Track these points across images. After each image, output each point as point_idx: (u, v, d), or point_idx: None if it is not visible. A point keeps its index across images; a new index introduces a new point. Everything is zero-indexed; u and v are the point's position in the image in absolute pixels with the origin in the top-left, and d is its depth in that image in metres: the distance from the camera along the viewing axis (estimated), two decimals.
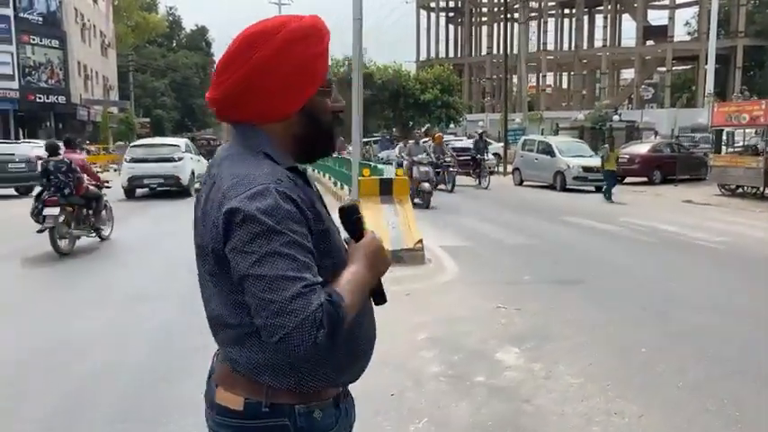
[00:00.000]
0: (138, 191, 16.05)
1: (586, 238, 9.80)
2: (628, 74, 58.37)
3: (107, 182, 9.46)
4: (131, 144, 19.47)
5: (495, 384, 3.90)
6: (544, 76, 54.53)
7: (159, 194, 15.94)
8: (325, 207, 1.33)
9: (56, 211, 7.76)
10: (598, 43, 54.85)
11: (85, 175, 8.49)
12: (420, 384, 3.92)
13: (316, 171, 20.19)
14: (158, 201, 15.10)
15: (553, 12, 57.19)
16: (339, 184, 15.79)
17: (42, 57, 36.39)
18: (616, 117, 29.69)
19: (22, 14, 34.71)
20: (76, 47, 39.94)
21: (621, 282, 6.74)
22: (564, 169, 18.38)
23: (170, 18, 66.50)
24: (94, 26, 45.38)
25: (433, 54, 60.02)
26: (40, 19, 36.17)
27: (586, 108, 44.66)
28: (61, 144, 8.76)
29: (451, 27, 63.20)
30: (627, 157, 19.89)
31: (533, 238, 9.64)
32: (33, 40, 35.56)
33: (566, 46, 57.55)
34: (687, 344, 4.65)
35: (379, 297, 1.35)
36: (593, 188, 17.79)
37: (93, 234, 8.77)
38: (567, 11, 57.07)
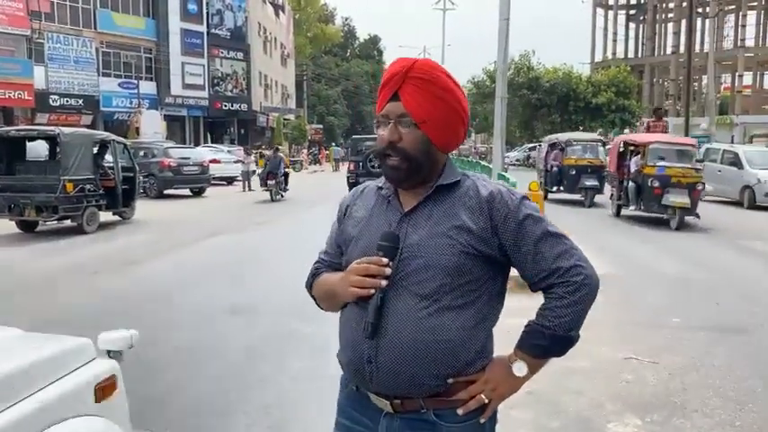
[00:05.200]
0: None
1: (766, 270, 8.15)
2: None
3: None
4: None
5: None
6: (740, 76, 48.50)
7: None
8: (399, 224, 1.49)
9: (272, 182, 17.27)
10: None
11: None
12: None
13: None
14: None
15: (755, 3, 50.65)
16: None
17: (229, 68, 39.90)
18: None
19: (213, 30, 38.35)
20: (259, 58, 43.25)
21: None
22: (753, 183, 15.85)
23: (345, 29, 69.71)
24: (276, 39, 48.88)
25: (609, 55, 56.30)
26: (228, 34, 39.70)
27: None
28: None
29: (632, 25, 58.79)
30: None
31: (698, 267, 8.20)
32: (222, 53, 39.11)
33: None
34: None
35: (369, 327, 1.42)
36: None
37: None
38: None
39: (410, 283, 1.42)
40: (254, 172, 22.00)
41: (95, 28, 32.10)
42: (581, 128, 44.94)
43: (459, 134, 1.51)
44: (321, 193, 19.76)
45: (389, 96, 1.46)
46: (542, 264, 1.44)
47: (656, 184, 11.56)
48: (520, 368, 1.45)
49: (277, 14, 49.48)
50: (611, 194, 14.02)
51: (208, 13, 37.91)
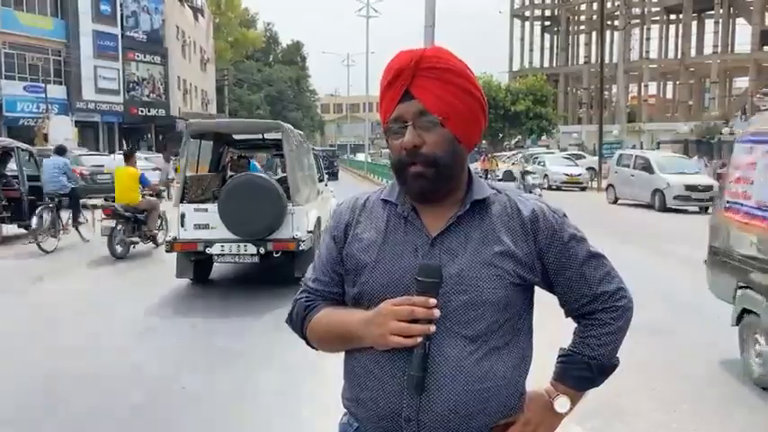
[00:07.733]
0: None
1: (684, 271, 8.53)
2: (741, 82, 53.99)
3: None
4: None
5: None
6: (646, 86, 51.54)
7: None
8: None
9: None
10: (707, 50, 51.09)
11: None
12: None
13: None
14: None
15: (657, 18, 54.00)
16: None
17: (145, 72, 38.43)
18: (726, 129, 27.25)
19: (128, 33, 36.82)
20: (177, 63, 41.91)
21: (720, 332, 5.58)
22: (663, 187, 16.81)
23: (267, 34, 68.83)
24: (195, 42, 47.54)
25: (526, 64, 58.42)
26: (144, 37, 38.24)
27: (693, 120, 41.61)
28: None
29: (547, 36, 61.27)
30: None
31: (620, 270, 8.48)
32: (137, 56, 37.62)
33: (671, 54, 54.10)
34: None
35: (415, 382, 1.18)
36: (696, 208, 16.23)
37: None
38: (672, 17, 53.75)
39: (454, 324, 1.21)
40: (171, 179, 21.12)
41: None
42: (501, 135, 46.34)
43: (482, 125, 1.31)
44: None
45: (399, 97, 1.24)
46: (585, 288, 1.32)
47: None
48: (563, 404, 1.32)
49: (196, 18, 48.15)
50: None
51: (122, 15, 36.36)
